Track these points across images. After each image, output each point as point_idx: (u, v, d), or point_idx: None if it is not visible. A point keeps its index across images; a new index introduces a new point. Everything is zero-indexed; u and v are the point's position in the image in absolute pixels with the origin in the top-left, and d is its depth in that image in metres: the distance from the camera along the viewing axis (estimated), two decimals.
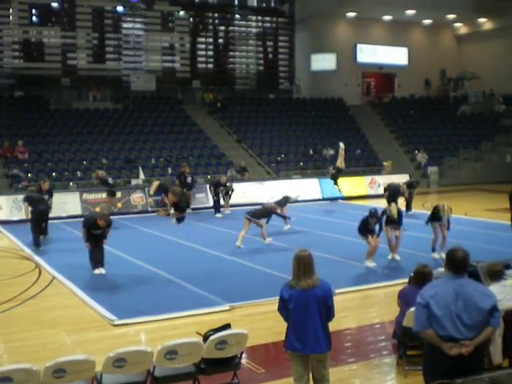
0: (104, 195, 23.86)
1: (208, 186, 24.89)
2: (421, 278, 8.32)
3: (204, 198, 25.80)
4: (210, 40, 39.15)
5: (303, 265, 6.48)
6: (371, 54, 42.79)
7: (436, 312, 5.54)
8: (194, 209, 24.60)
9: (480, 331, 5.50)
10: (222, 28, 39.45)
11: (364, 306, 11.97)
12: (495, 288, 7.98)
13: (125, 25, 36.54)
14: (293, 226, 19.69)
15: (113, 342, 9.35)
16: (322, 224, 21.24)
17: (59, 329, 10.47)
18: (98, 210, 21.22)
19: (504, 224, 20.36)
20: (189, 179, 24.56)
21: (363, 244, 16.42)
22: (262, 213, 17.71)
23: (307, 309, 6.42)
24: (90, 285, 12.84)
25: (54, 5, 34.88)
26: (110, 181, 23.81)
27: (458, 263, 5.73)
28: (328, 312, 6.55)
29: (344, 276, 13.18)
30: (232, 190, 24.35)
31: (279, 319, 6.92)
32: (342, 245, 17.13)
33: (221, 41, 39.61)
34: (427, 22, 44.09)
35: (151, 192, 18.19)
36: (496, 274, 8.09)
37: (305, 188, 27.48)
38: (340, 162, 24.76)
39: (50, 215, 19.77)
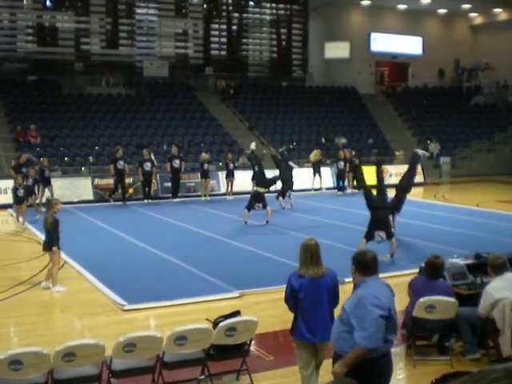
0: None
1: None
2: (433, 268, 8.30)
3: (216, 184, 25.84)
4: (224, 26, 38.97)
5: (311, 253, 6.50)
6: (385, 42, 42.49)
7: None
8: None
9: None
10: (236, 15, 39.28)
11: None
12: (498, 282, 7.95)
13: (138, 10, 36.45)
14: (303, 214, 19.69)
15: (122, 326, 9.39)
16: (333, 213, 21.21)
17: (69, 313, 10.53)
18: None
19: None
20: (176, 163, 24.30)
21: None
22: None
23: (317, 297, 6.44)
24: (101, 270, 12.88)
25: None
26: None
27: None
28: (335, 299, 6.61)
29: None
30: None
31: None
32: (352, 233, 17.07)
33: (234, 27, 39.42)
34: (442, 11, 43.74)
35: None
36: (499, 268, 8.05)
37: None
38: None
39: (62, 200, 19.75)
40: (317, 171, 26.31)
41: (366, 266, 5.63)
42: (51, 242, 11.51)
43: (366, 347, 5.30)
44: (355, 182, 26.98)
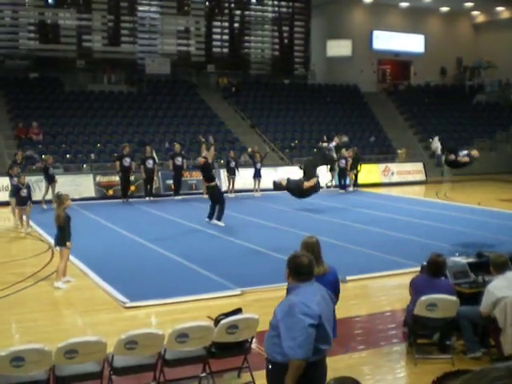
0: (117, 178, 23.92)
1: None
2: (435, 267, 8.30)
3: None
4: (226, 24, 38.90)
5: (312, 251, 6.49)
6: (387, 40, 42.44)
7: None
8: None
9: None
10: (238, 12, 39.20)
11: (375, 294, 11.96)
12: (500, 280, 7.96)
13: (140, 7, 36.40)
14: (305, 212, 19.67)
15: (124, 324, 9.40)
16: (334, 211, 21.20)
17: (71, 310, 10.54)
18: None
19: None
20: (178, 160, 24.39)
21: (374, 231, 16.41)
22: None
23: None
24: (103, 267, 12.89)
25: None
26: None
27: None
28: (336, 297, 6.64)
29: (355, 263, 13.16)
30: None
31: None
32: (353, 232, 17.10)
33: (236, 25, 39.32)
34: (444, 9, 43.69)
35: None
36: (501, 266, 8.05)
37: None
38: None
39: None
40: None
41: (300, 271, 5.38)
42: (65, 237, 11.55)
43: (295, 357, 5.10)
44: (353, 177, 27.09)
